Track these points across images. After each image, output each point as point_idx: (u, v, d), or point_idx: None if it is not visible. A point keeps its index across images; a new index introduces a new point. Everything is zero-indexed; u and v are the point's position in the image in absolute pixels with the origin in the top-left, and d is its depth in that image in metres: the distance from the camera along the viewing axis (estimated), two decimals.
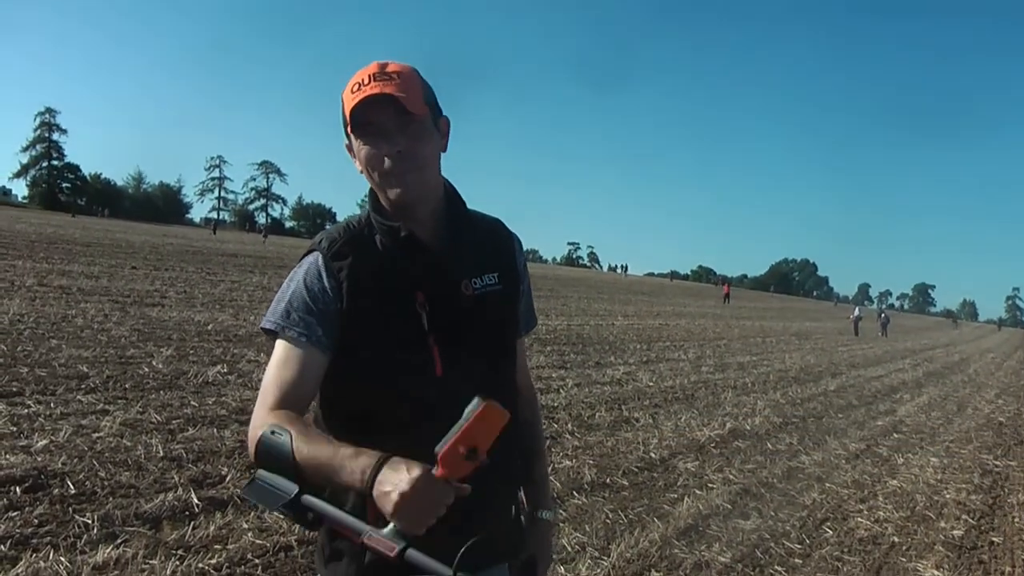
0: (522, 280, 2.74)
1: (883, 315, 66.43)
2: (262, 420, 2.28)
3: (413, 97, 2.36)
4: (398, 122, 2.35)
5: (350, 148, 2.48)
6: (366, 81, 2.35)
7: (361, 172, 2.47)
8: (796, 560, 7.60)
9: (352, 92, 2.37)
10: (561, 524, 7.71)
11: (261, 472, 2.20)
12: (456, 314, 2.47)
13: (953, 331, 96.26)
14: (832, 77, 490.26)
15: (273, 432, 2.19)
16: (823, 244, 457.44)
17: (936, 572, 7.63)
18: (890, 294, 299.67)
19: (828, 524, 8.81)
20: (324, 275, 2.39)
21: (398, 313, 2.41)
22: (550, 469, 9.30)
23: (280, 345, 2.38)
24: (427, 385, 2.41)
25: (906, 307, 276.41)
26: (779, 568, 7.31)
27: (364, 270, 2.41)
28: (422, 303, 2.42)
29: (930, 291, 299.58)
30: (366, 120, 2.35)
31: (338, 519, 2.09)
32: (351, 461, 2.07)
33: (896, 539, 8.56)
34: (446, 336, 2.44)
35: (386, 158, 2.36)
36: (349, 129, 2.40)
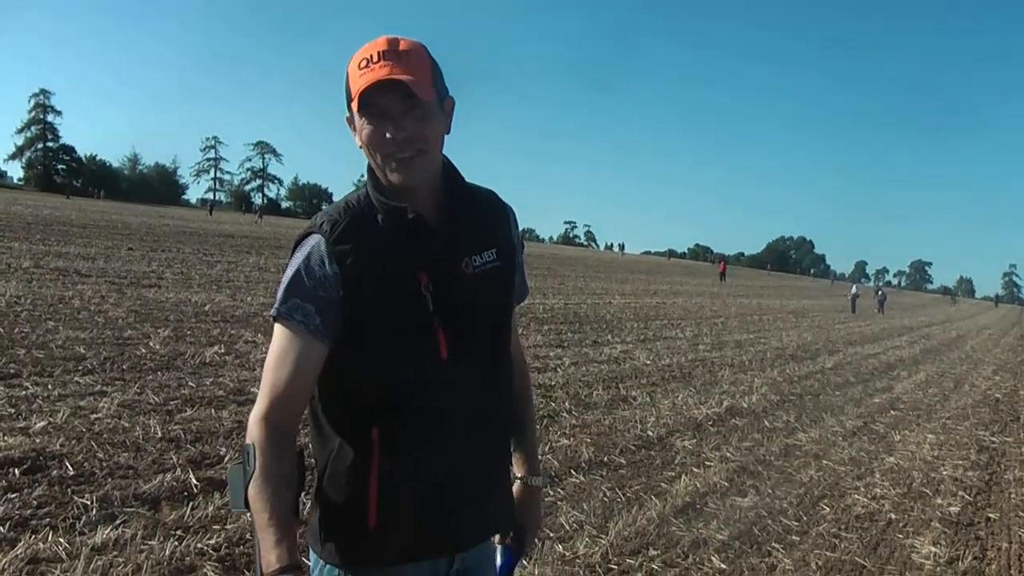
0: (517, 253, 2.71)
1: (880, 292, 66.50)
2: (257, 421, 2.34)
3: (422, 80, 2.32)
4: (405, 105, 2.31)
5: (351, 122, 2.43)
6: (375, 59, 2.31)
7: (361, 148, 2.43)
8: (794, 537, 7.61)
9: (359, 69, 2.32)
10: (559, 503, 7.72)
11: (233, 471, 2.40)
12: (457, 294, 2.45)
13: (951, 308, 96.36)
14: (829, 52, 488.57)
15: (248, 456, 2.32)
16: (820, 222, 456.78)
17: (933, 548, 7.63)
18: (887, 271, 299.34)
19: (825, 501, 8.82)
20: (327, 260, 2.34)
21: (403, 297, 2.38)
22: (548, 448, 9.36)
23: (280, 333, 2.36)
24: (433, 370, 2.41)
25: (903, 284, 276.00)
26: (776, 545, 7.32)
27: (368, 253, 2.37)
28: (426, 285, 2.39)
29: (927, 268, 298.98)
30: (372, 101, 2.31)
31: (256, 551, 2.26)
32: (266, 547, 2.18)
33: (893, 516, 8.57)
34: (449, 318, 2.42)
35: (391, 141, 2.32)
36: (354, 107, 2.35)
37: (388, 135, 2.32)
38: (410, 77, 2.29)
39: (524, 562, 2.72)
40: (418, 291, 2.38)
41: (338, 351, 2.37)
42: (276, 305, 2.36)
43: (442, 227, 2.47)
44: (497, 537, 2.82)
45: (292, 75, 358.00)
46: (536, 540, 2.88)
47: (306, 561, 2.32)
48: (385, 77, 2.27)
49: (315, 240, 2.39)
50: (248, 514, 2.30)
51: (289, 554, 2.17)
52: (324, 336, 2.33)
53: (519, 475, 2.85)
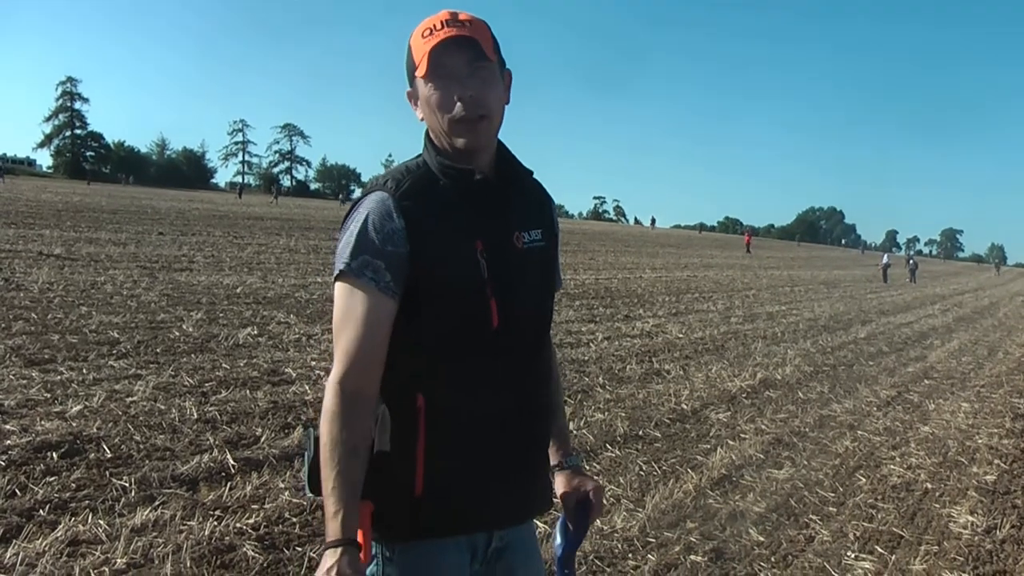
0: (557, 239, 2.74)
1: (911, 261, 66.09)
2: (332, 386, 2.32)
3: (486, 42, 2.39)
4: (471, 67, 2.38)
5: (411, 96, 2.49)
6: (439, 26, 2.37)
7: (422, 119, 2.49)
8: (830, 508, 7.58)
9: (423, 37, 2.38)
10: (596, 477, 7.72)
11: (311, 433, 2.45)
12: (509, 266, 2.47)
13: (995, 276, 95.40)
14: (863, 19, 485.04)
15: (309, 441, 2.45)
16: (850, 192, 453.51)
17: (970, 517, 7.59)
18: (918, 240, 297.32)
19: (861, 472, 8.78)
20: (395, 214, 2.35)
21: (461, 260, 2.40)
22: (583, 422, 9.36)
23: (347, 292, 2.35)
24: (484, 337, 2.42)
25: (934, 252, 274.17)
26: (813, 517, 7.29)
27: (432, 212, 2.39)
28: (482, 251, 2.41)
29: (958, 236, 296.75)
30: (440, 63, 2.36)
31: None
32: (327, 518, 2.24)
33: (929, 485, 8.52)
34: (501, 287, 2.43)
35: (458, 102, 2.37)
36: (420, 73, 2.39)
37: (456, 95, 2.36)
38: (476, 36, 2.37)
39: (555, 537, 2.69)
40: (475, 257, 2.40)
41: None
42: (345, 262, 2.34)
43: (498, 198, 2.51)
44: (561, 514, 2.79)
45: (317, 56, 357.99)
46: (603, 503, 2.86)
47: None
48: (454, 35, 2.34)
49: (380, 196, 2.40)
50: (311, 496, 2.39)
51: (343, 528, 2.19)
52: (394, 293, 2.34)
53: (555, 462, 2.82)
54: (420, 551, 2.45)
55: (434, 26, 2.37)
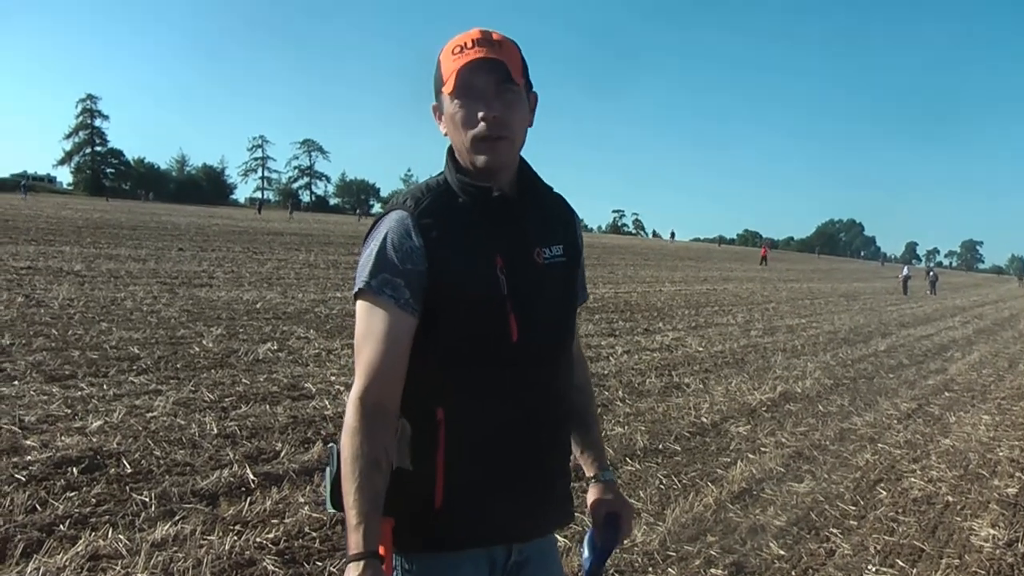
0: (580, 256, 2.77)
1: (931, 273, 65.93)
2: (353, 402, 2.35)
3: (515, 65, 2.42)
4: (498, 88, 2.40)
5: (436, 110, 2.52)
6: (469, 45, 2.39)
7: (445, 134, 2.51)
8: (851, 522, 7.55)
9: (453, 54, 2.41)
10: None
11: (334, 449, 2.45)
12: (529, 282, 2.48)
13: (1018, 287, 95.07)
14: (876, 26, 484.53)
15: (332, 457, 2.44)
16: (869, 203, 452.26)
17: (992, 531, 7.55)
18: (938, 252, 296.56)
19: (882, 485, 8.75)
20: (413, 233, 2.38)
21: (480, 276, 2.42)
22: (603, 436, 9.32)
23: (367, 310, 2.39)
24: (504, 352, 2.43)
25: (954, 264, 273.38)
26: (834, 530, 7.27)
27: (451, 230, 2.41)
28: (501, 268, 2.44)
29: (978, 247, 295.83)
30: (467, 82, 2.38)
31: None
32: (348, 531, 2.25)
33: (950, 498, 8.49)
34: (521, 303, 2.45)
35: (482, 122, 2.39)
36: (447, 90, 2.41)
37: (480, 114, 2.38)
38: (505, 59, 2.39)
39: (583, 551, 2.71)
40: (495, 273, 2.43)
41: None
42: (364, 280, 2.38)
43: (518, 215, 2.52)
44: (589, 526, 2.80)
45: (339, 72, 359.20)
46: (632, 526, 2.87)
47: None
48: (483, 56, 2.36)
49: (399, 215, 2.43)
50: (333, 511, 2.40)
51: (366, 541, 2.21)
52: (414, 310, 2.37)
53: (591, 474, 2.83)
54: (439, 563, 2.46)
55: (465, 44, 2.40)
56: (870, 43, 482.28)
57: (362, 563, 2.17)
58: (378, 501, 2.26)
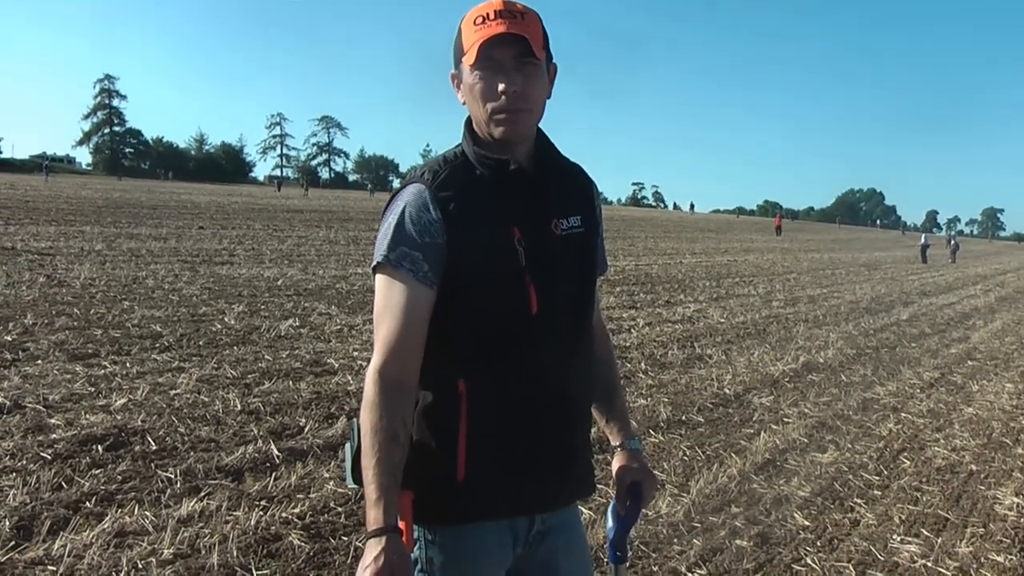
0: (599, 226, 2.75)
1: (953, 241, 65.56)
2: (371, 375, 2.35)
3: (536, 39, 2.39)
4: (518, 62, 2.39)
5: (455, 79, 2.51)
6: (491, 16, 2.38)
7: (464, 103, 2.50)
8: (875, 491, 7.53)
9: (475, 25, 2.39)
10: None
11: (347, 448, 2.50)
12: (547, 253, 2.48)
13: None
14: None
15: (353, 432, 2.44)
16: (890, 173, 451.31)
17: (1016, 499, 7.51)
18: (959, 220, 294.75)
19: (905, 454, 8.71)
20: (431, 206, 2.38)
21: (499, 248, 2.41)
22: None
23: (386, 283, 2.39)
24: (523, 323, 2.43)
25: (975, 232, 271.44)
26: (858, 500, 7.25)
27: (468, 202, 2.41)
28: (519, 239, 2.43)
29: (999, 215, 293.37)
30: (488, 55, 2.36)
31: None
32: (368, 506, 2.27)
33: (974, 467, 8.45)
34: (540, 274, 2.44)
35: (502, 95, 2.38)
36: (468, 61, 2.40)
37: (500, 87, 2.37)
38: (527, 34, 2.36)
39: (607, 520, 2.71)
40: (512, 244, 2.42)
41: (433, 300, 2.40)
42: (383, 253, 2.38)
43: (535, 186, 2.51)
44: (613, 496, 2.81)
45: (356, 48, 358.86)
46: (654, 495, 2.87)
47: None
48: (505, 31, 2.34)
49: (417, 188, 2.43)
50: (354, 486, 2.38)
51: (386, 515, 2.22)
52: (432, 283, 2.37)
53: (616, 443, 2.82)
54: (462, 534, 2.47)
55: (487, 15, 2.38)
56: (894, 11, 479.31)
57: (384, 538, 2.19)
58: (397, 475, 2.28)
